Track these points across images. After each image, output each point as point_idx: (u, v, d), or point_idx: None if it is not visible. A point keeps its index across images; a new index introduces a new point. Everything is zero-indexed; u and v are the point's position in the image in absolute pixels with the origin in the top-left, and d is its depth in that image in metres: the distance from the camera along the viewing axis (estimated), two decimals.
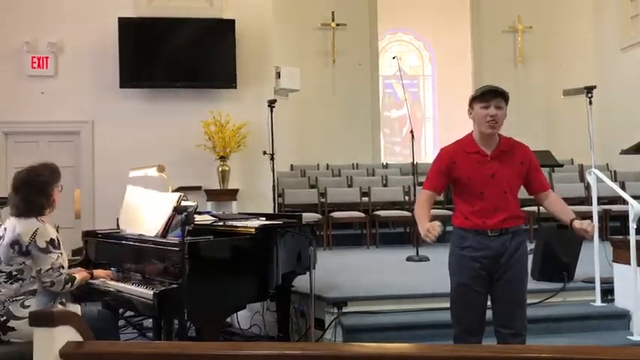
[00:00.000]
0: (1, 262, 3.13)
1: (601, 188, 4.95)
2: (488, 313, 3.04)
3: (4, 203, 4.67)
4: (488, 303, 3.05)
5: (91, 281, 3.60)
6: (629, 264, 4.24)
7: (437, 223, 2.79)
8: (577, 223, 2.88)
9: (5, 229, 3.21)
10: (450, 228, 3.17)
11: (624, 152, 5.00)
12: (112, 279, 3.68)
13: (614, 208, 7.67)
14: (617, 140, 7.33)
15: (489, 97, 2.94)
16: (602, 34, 10.48)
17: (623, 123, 9.22)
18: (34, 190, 3.19)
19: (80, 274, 3.40)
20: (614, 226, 7.81)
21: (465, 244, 2.97)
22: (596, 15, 10.61)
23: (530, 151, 3.09)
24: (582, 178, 8.84)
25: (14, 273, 3.10)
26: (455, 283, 3.04)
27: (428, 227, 2.79)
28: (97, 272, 3.64)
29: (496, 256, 2.94)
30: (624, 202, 4.56)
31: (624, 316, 4.46)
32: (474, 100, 2.99)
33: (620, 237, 4.72)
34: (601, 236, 4.97)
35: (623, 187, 7.43)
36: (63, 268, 3.17)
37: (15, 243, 3.10)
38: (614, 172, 8.95)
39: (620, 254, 4.49)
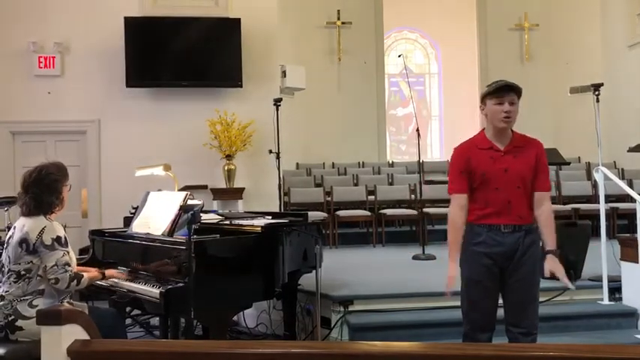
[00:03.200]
0: (10, 262, 3.14)
1: (608, 186, 4.93)
2: (499, 311, 3.03)
3: (10, 202, 4.69)
4: (500, 301, 3.03)
5: (100, 282, 3.59)
6: (637, 262, 4.23)
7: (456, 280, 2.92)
8: (549, 260, 2.97)
9: (15, 227, 3.23)
10: None
11: (632, 150, 4.99)
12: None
13: (622, 206, 7.63)
14: (624, 138, 7.31)
15: (503, 92, 2.92)
16: (609, 31, 10.42)
17: (631, 120, 9.18)
18: (45, 189, 3.20)
19: (90, 274, 3.36)
20: (621, 224, 7.77)
21: (478, 239, 2.95)
22: (603, 12, 10.55)
23: (544, 148, 3.07)
24: (589, 176, 8.80)
25: (22, 272, 3.11)
26: (466, 278, 3.02)
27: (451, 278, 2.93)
28: (109, 272, 3.59)
29: (509, 253, 2.92)
30: (632, 199, 4.54)
31: (632, 315, 4.45)
32: (486, 96, 2.97)
33: (628, 235, 4.70)
34: (608, 234, 4.94)
35: (630, 184, 7.39)
36: (69, 265, 3.16)
37: (23, 241, 3.11)
38: (622, 169, 8.91)
39: (628, 252, 4.47)
